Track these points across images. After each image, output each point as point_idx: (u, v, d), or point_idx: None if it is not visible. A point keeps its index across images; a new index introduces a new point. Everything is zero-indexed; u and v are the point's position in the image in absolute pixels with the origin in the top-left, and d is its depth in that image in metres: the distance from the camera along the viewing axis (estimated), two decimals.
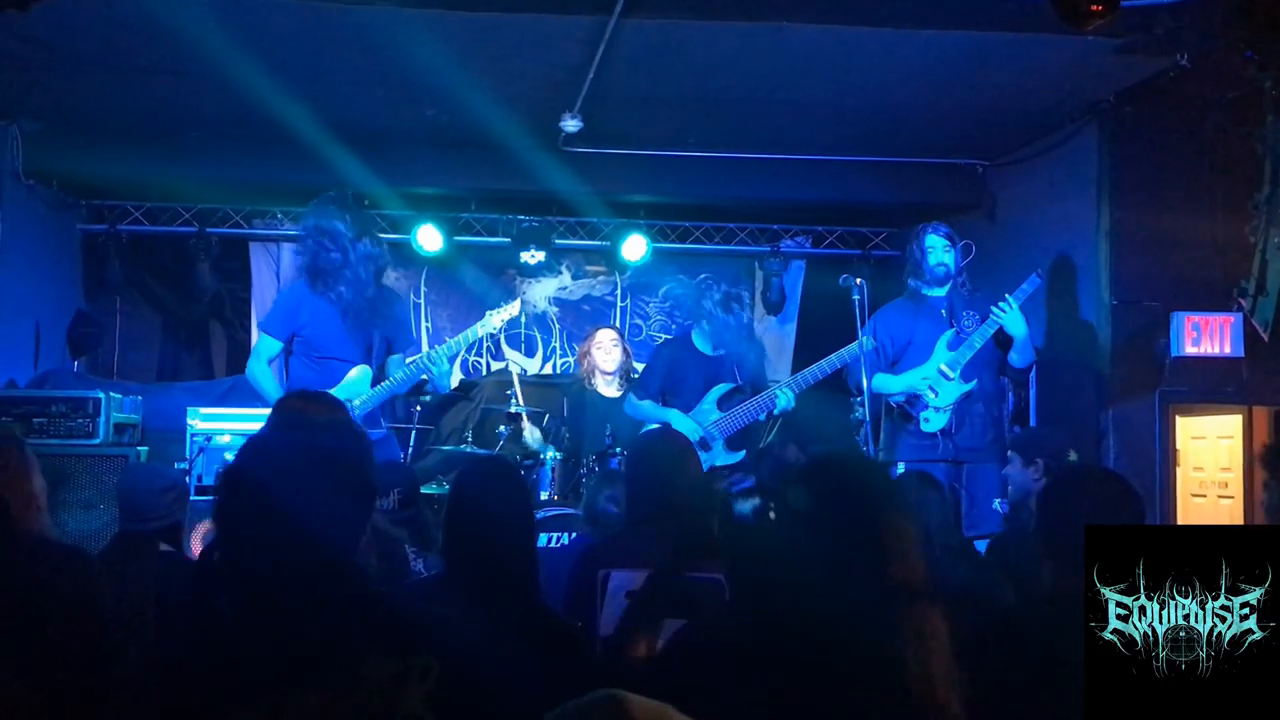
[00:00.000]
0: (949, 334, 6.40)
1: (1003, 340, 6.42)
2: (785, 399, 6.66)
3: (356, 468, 2.29)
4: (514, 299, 6.58)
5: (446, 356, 6.21)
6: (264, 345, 6.17)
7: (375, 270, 6.16)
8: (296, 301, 6.10)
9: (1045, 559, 2.87)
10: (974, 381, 6.34)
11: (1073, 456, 5.10)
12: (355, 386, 5.98)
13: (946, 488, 5.92)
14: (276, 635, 1.98)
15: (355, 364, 6.04)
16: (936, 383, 6.34)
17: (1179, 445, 7.07)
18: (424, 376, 6.18)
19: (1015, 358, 6.47)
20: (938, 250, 6.52)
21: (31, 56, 6.46)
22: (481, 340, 9.93)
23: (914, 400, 6.42)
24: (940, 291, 6.55)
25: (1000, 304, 6.28)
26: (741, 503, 2.96)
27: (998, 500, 5.81)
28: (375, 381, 6.11)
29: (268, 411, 6.03)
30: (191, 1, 5.58)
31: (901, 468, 6.39)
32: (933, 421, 6.37)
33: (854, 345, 6.40)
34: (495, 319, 6.40)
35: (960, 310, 6.48)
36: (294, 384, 6.04)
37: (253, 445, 2.28)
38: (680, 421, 6.63)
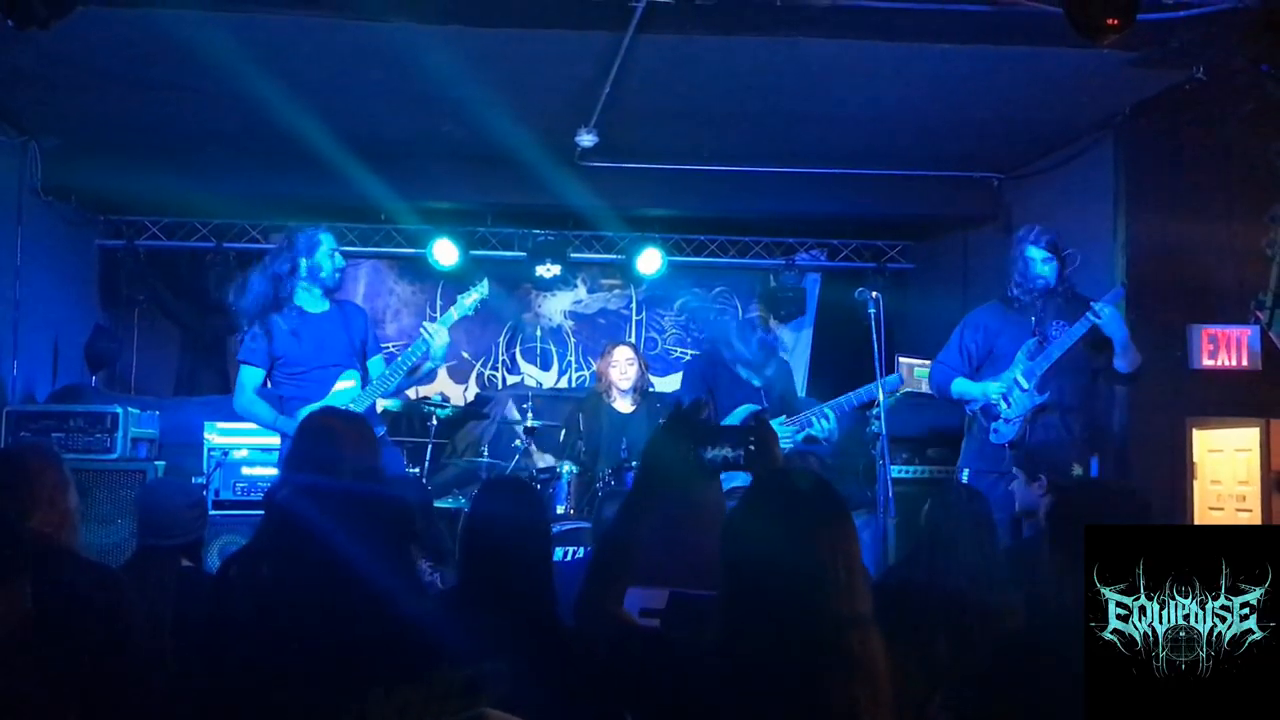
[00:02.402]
0: (1030, 343, 6.29)
1: (1103, 346, 6.31)
2: (827, 426, 6.60)
3: (408, 518, 2.36)
4: (481, 284, 6.56)
5: (444, 328, 6.19)
6: (247, 376, 6.09)
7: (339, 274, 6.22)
8: (268, 325, 6.07)
9: (1060, 574, 2.86)
10: (1047, 393, 6.23)
11: (1077, 471, 5.06)
12: (346, 393, 5.98)
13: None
14: (345, 648, 2.02)
15: (342, 369, 6.04)
16: (1010, 393, 6.26)
17: (1196, 458, 7.04)
18: (424, 359, 6.17)
19: (1120, 363, 6.26)
20: (1037, 263, 6.37)
21: (51, 73, 6.50)
22: (497, 354, 9.98)
23: (988, 410, 6.34)
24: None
25: (1095, 306, 6.17)
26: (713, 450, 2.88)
27: None
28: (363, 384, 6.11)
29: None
30: (210, 18, 5.60)
31: (966, 475, 6.32)
32: (1002, 433, 6.25)
33: (893, 377, 6.38)
34: (467, 300, 6.40)
35: (1050, 320, 6.37)
36: (287, 403, 6.03)
37: (308, 489, 2.35)
38: None
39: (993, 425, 6.30)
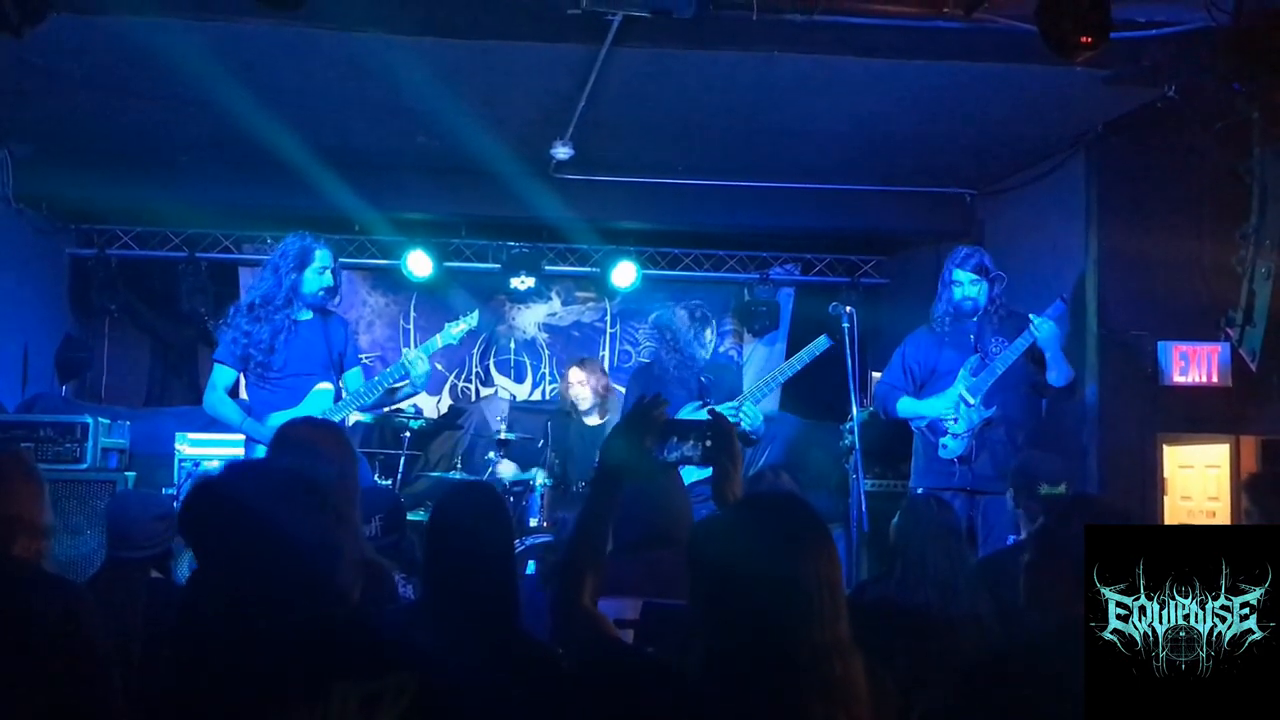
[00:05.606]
0: (973, 360, 6.34)
1: (1038, 359, 6.38)
2: (751, 415, 6.51)
3: (325, 487, 2.27)
4: (471, 315, 6.54)
5: (425, 356, 6.18)
6: (220, 375, 6.09)
7: (324, 294, 6.18)
8: (248, 327, 6.06)
9: (1043, 591, 2.85)
10: (993, 408, 6.27)
11: (1061, 489, 5.05)
12: (318, 402, 5.96)
13: (963, 517, 5.82)
14: (245, 659, 1.98)
15: (316, 379, 6.02)
16: (958, 409, 6.30)
17: (1166, 474, 7.07)
18: (404, 381, 6.16)
19: (1052, 376, 6.39)
20: (964, 285, 6.42)
21: (23, 80, 6.46)
22: (471, 366, 9.96)
23: (935, 425, 6.38)
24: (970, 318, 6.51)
25: (1035, 321, 6.22)
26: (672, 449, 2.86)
27: (1012, 536, 5.65)
28: (337, 396, 6.11)
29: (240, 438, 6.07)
30: (184, 27, 5.58)
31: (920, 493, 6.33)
32: (950, 448, 6.31)
33: (818, 341, 6.40)
34: (454, 330, 6.41)
35: (989, 336, 6.42)
36: (256, 407, 6.01)
37: (227, 469, 2.30)
38: None
39: (940, 441, 6.35)
